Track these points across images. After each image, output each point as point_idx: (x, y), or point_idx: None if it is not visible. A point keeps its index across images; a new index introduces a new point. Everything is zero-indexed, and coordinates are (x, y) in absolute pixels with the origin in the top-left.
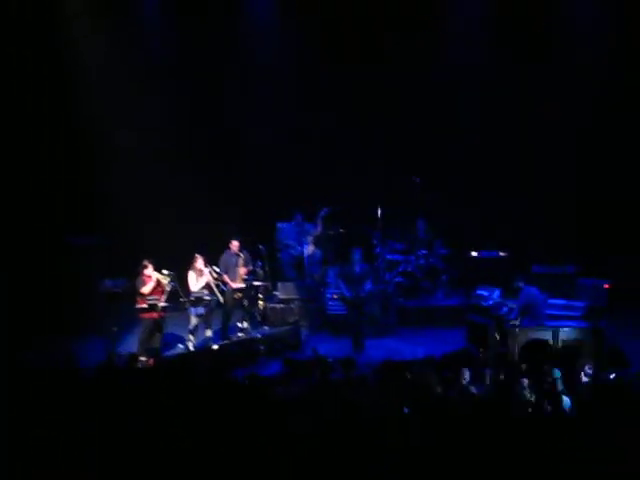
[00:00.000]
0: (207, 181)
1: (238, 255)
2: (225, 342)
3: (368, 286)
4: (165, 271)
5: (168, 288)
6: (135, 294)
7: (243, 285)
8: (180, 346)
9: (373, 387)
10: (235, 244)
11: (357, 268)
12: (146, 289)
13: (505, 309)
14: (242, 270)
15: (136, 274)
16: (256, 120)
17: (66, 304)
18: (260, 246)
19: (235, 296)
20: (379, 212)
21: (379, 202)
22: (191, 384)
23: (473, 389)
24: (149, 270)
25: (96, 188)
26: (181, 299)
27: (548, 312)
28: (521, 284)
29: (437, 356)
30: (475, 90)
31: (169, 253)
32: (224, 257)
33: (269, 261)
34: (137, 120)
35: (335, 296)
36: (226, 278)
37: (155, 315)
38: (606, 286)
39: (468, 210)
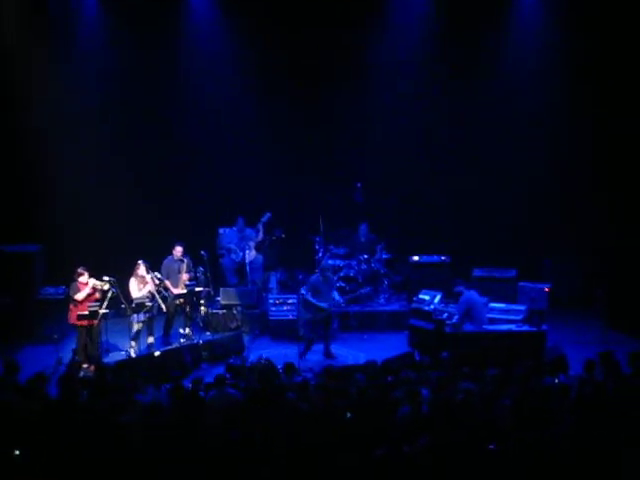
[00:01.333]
0: (148, 187)
1: (181, 261)
2: (167, 348)
3: (336, 295)
4: (105, 277)
5: (109, 294)
6: (70, 301)
7: (185, 291)
8: (122, 353)
9: (315, 392)
10: (178, 250)
11: (330, 277)
12: (80, 296)
13: (446, 314)
14: (184, 276)
15: (72, 279)
16: (199, 124)
17: (6, 312)
18: (202, 252)
19: (177, 302)
20: (320, 217)
21: (320, 207)
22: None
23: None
24: (84, 278)
25: (37, 196)
26: (123, 305)
27: (489, 316)
28: (461, 288)
29: (379, 361)
30: (413, 93)
31: (111, 259)
32: (166, 263)
33: (211, 267)
34: (78, 129)
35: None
36: (168, 284)
37: (88, 322)
38: (546, 289)
39: (410, 214)
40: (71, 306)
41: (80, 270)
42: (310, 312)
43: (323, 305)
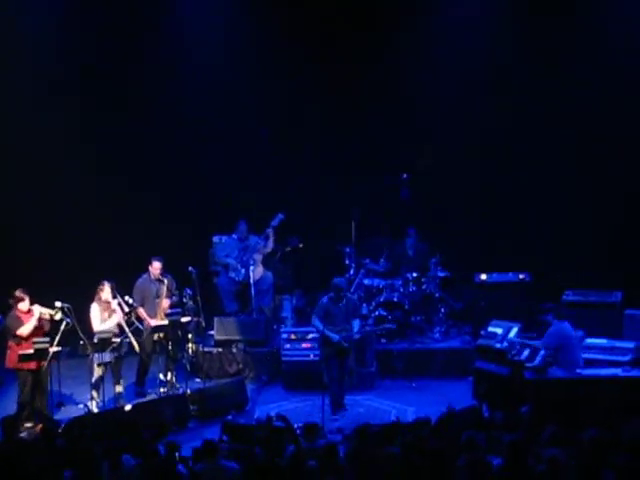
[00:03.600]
0: (114, 179)
1: (159, 281)
2: (141, 400)
3: (357, 325)
4: (58, 303)
5: (62, 326)
6: (9, 338)
7: (166, 322)
8: (79, 406)
9: (344, 462)
10: (156, 266)
11: (343, 302)
12: (24, 329)
13: (526, 352)
14: (165, 302)
15: (8, 308)
16: (186, 99)
17: None
18: (190, 268)
19: (155, 337)
20: (352, 221)
21: (352, 207)
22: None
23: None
24: (24, 304)
25: None
26: (81, 342)
27: (585, 356)
28: (550, 318)
29: (433, 418)
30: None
31: (66, 281)
32: (140, 284)
33: (202, 289)
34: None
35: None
36: (142, 313)
37: (33, 365)
38: None
39: (474, 217)
40: (11, 344)
41: (19, 293)
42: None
43: (332, 336)
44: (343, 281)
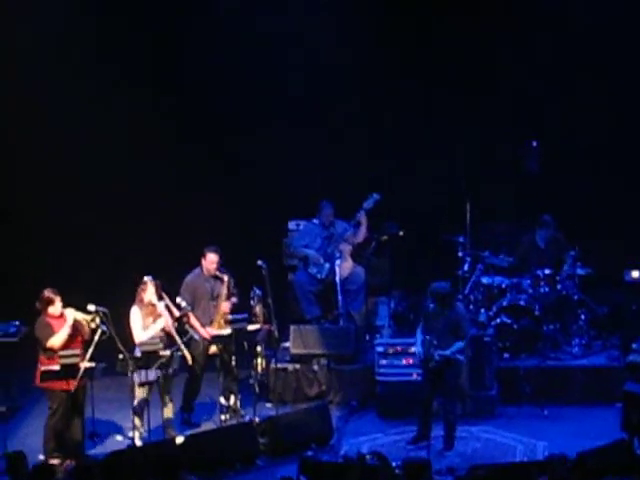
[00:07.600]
0: (157, 150)
1: (216, 279)
2: (196, 431)
3: (456, 347)
4: (91, 307)
5: (96, 336)
6: (37, 348)
7: (227, 331)
8: (118, 438)
9: None
10: (211, 259)
11: (445, 313)
12: (56, 340)
13: None
14: (224, 305)
15: (36, 314)
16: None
17: None
18: (259, 262)
19: (211, 351)
20: (467, 202)
21: (467, 183)
22: None
23: None
24: (55, 307)
25: None
26: (120, 356)
27: None
28: None
29: (570, 455)
30: None
31: (100, 278)
32: (190, 281)
33: (274, 288)
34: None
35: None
36: (193, 321)
37: (71, 385)
38: None
39: (624, 200)
40: (41, 357)
41: (47, 294)
42: None
43: (417, 349)
44: (443, 286)
